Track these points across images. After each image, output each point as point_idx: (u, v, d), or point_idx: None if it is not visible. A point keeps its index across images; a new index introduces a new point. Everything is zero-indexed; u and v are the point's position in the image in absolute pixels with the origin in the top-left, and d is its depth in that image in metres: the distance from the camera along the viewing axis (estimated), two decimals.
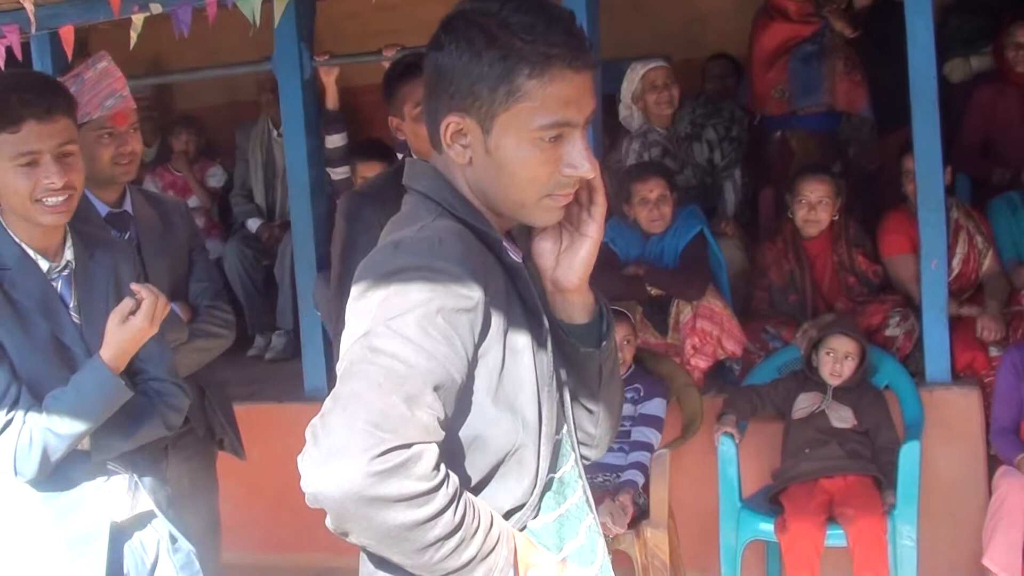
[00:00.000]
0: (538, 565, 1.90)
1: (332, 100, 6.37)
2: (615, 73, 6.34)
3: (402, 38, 5.89)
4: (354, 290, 1.84)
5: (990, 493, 4.82)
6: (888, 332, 5.36)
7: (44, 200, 2.77)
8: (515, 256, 1.97)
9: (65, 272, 2.91)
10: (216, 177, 7.93)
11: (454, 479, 1.76)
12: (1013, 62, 6.46)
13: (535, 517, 1.94)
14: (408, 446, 1.68)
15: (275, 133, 7.35)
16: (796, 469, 4.83)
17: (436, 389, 1.74)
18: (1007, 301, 5.48)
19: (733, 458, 4.89)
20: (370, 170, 5.74)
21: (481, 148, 1.89)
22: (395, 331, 1.74)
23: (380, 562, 1.86)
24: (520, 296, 1.95)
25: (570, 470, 2.04)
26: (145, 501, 2.98)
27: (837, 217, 5.66)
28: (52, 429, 2.73)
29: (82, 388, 2.78)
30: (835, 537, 4.58)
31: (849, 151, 6.59)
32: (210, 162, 8.01)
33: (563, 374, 2.06)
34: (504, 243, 1.95)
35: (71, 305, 2.90)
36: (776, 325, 5.56)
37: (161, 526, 3.03)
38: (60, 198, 2.79)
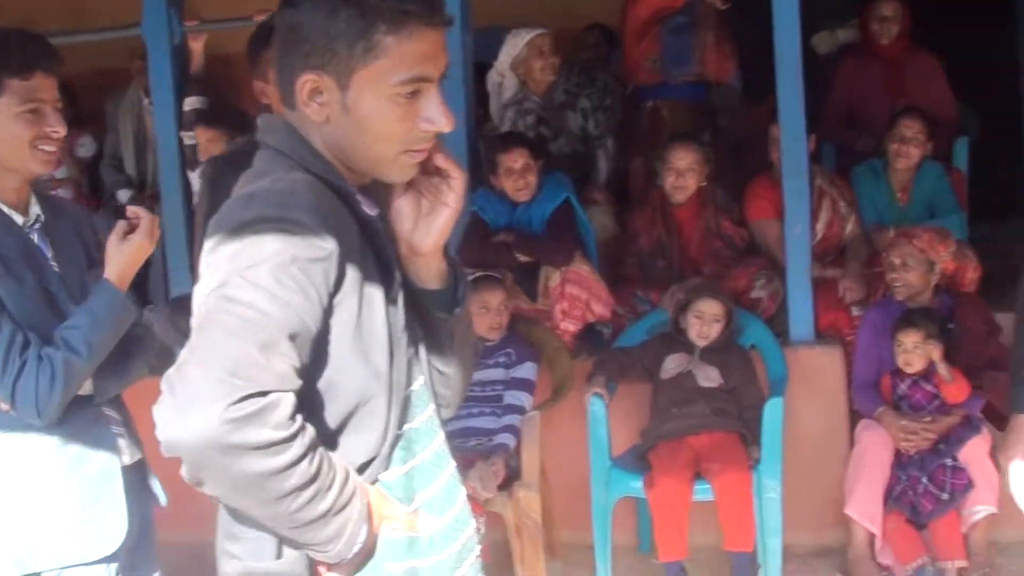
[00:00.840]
0: (391, 517, 1.93)
1: (197, 65, 6.30)
2: (489, 42, 6.34)
3: (275, 4, 5.81)
4: (207, 244, 1.84)
5: (852, 446, 4.98)
6: (754, 294, 5.49)
7: (41, 148, 2.84)
8: (369, 210, 1.98)
9: (36, 226, 2.94)
10: (86, 147, 7.73)
11: (310, 430, 1.77)
12: (878, 35, 6.63)
13: (387, 469, 1.95)
14: (264, 394, 1.69)
15: (146, 101, 7.17)
16: (664, 427, 4.92)
17: (292, 338, 1.75)
18: (868, 263, 5.63)
19: (603, 418, 4.95)
20: (205, 135, 5.70)
21: (339, 105, 1.90)
22: (250, 281, 1.75)
23: (238, 514, 1.87)
24: (374, 249, 1.96)
25: (427, 420, 2.05)
26: (136, 450, 3.03)
27: (705, 184, 5.75)
28: (73, 358, 2.76)
29: (96, 311, 2.83)
30: (702, 492, 4.68)
31: (719, 120, 6.68)
32: (80, 131, 7.77)
33: (419, 330, 2.08)
34: (358, 196, 1.96)
35: (49, 255, 2.93)
36: (645, 289, 5.64)
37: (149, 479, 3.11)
38: (53, 148, 2.87)
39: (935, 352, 4.77)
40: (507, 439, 4.80)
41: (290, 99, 1.94)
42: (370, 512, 1.88)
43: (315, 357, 1.83)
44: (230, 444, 1.67)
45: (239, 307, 1.73)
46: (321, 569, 1.89)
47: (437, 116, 1.92)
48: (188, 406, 1.68)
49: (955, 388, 4.77)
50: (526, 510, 4.73)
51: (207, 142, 5.65)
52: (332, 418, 1.89)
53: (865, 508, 4.78)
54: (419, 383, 2.05)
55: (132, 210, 2.95)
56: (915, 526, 4.75)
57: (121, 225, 2.91)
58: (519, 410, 4.89)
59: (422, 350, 2.08)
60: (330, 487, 1.78)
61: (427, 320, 2.09)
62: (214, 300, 1.76)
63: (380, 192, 2.05)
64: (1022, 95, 7.98)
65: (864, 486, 4.79)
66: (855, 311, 5.44)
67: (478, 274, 5.06)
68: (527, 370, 5.01)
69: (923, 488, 4.72)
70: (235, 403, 1.66)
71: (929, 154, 5.94)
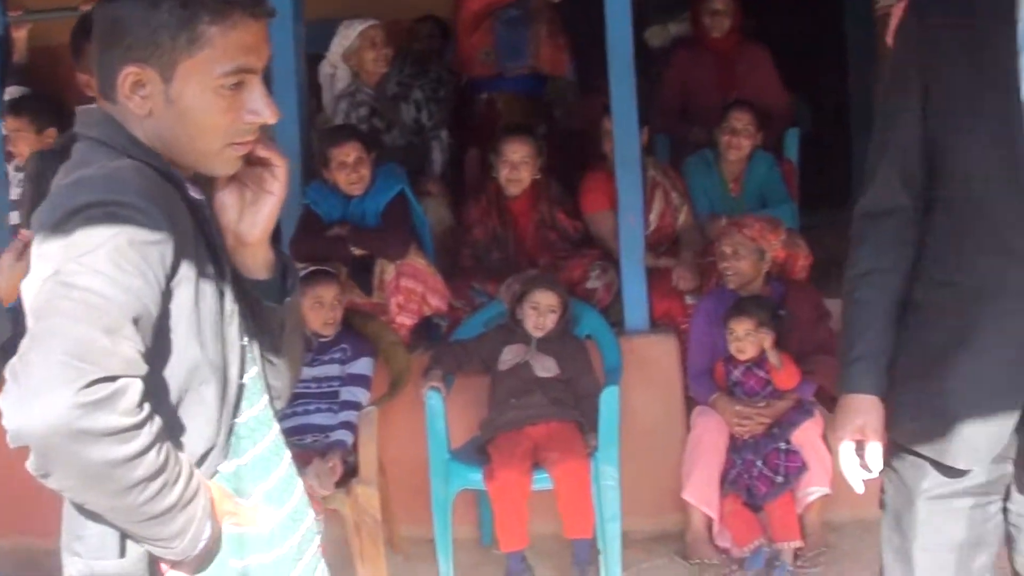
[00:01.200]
0: (232, 512, 1.93)
1: (19, 55, 6.17)
2: (322, 34, 6.28)
3: None
4: (38, 236, 1.80)
5: (688, 432, 5.04)
6: (589, 285, 5.53)
7: None
8: (197, 195, 1.96)
9: None
10: None
11: (157, 420, 1.75)
12: (709, 28, 6.73)
13: (225, 459, 1.94)
14: (113, 379, 1.66)
15: None
16: (502, 418, 4.91)
17: (135, 322, 1.72)
18: (701, 253, 5.71)
19: (440, 412, 4.91)
20: (12, 125, 5.56)
21: (162, 98, 1.88)
22: (87, 266, 1.71)
23: (84, 510, 1.82)
24: (204, 236, 1.94)
25: (262, 411, 2.06)
26: None
27: (539, 176, 5.76)
28: None
29: None
30: (541, 481, 4.67)
31: (554, 112, 6.73)
32: None
33: (251, 321, 2.08)
34: (185, 182, 1.94)
35: None
36: (482, 281, 5.62)
37: None
38: None
39: (766, 340, 4.86)
40: (344, 435, 4.74)
41: (111, 93, 1.92)
42: (214, 508, 1.87)
43: (154, 342, 1.80)
44: (79, 429, 1.63)
45: (78, 292, 1.69)
46: (164, 567, 1.86)
47: (261, 107, 1.93)
48: (36, 392, 1.64)
49: (785, 374, 4.86)
50: (365, 507, 4.68)
51: (13, 132, 5.50)
52: (170, 403, 1.86)
53: (702, 492, 4.85)
54: (253, 373, 2.05)
55: (25, 233, 2.95)
56: (751, 509, 4.82)
57: (17, 244, 2.93)
58: (356, 406, 4.84)
59: (254, 341, 2.08)
60: (176, 480, 1.76)
61: (257, 310, 2.09)
62: (51, 286, 1.72)
63: (205, 184, 2.03)
64: (851, 88, 8.21)
65: (700, 471, 4.85)
66: (689, 300, 5.51)
67: (311, 268, 4.99)
68: (363, 365, 4.95)
69: (758, 471, 4.79)
70: (85, 387, 1.63)
71: (760, 145, 6.05)
